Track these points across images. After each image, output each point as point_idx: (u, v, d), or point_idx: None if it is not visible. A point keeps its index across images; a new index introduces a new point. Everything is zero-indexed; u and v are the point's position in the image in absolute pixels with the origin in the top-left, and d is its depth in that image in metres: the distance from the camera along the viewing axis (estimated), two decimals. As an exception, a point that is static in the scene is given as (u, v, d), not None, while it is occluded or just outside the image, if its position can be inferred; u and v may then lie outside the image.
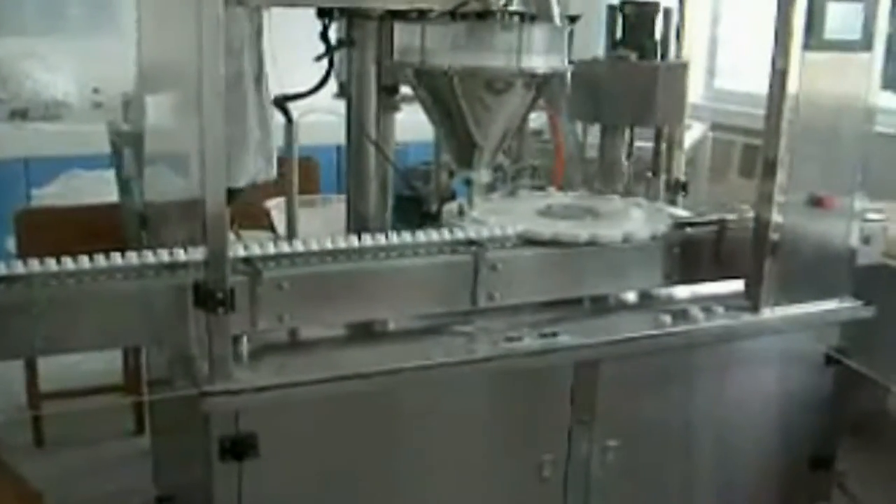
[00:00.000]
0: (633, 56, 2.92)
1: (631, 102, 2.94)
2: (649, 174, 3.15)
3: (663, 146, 3.15)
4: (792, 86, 2.51)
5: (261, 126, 2.67)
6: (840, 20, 2.50)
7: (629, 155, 3.04)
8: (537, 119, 3.20)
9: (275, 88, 2.67)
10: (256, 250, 2.22)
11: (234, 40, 2.52)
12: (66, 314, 2.08)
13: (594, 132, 3.14)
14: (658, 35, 2.99)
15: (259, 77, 2.64)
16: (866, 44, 2.56)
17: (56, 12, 5.82)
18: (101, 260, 2.11)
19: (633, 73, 2.93)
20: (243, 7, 2.44)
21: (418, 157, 3.18)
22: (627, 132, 3.05)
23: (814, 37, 2.48)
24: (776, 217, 2.59)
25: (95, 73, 5.65)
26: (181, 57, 2.19)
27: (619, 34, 2.99)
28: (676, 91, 2.98)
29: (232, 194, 2.77)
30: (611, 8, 3.00)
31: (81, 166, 4.62)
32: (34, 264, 2.06)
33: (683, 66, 3.04)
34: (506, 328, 2.45)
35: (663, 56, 3.00)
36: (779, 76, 2.52)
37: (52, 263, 2.07)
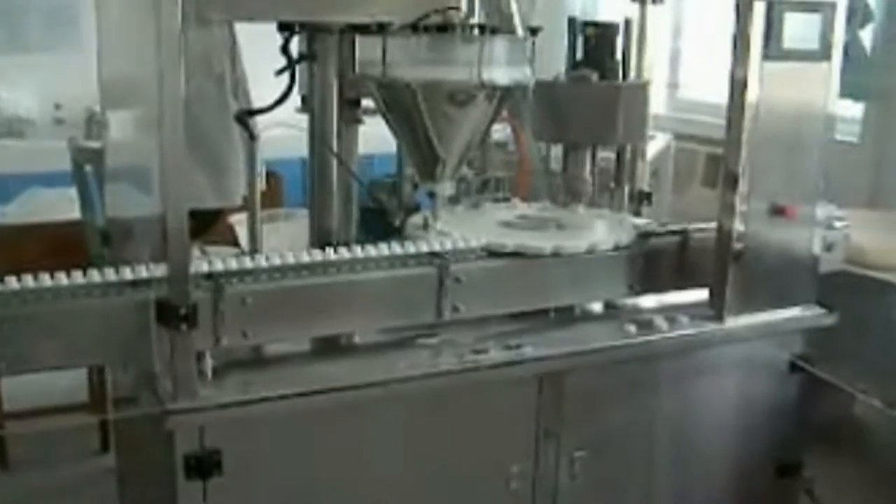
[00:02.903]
0: (594, 76, 2.93)
1: (592, 123, 2.95)
2: (613, 185, 3.16)
3: (626, 157, 3.16)
4: (752, 95, 2.53)
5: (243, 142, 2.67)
6: (798, 30, 2.53)
7: (592, 173, 3.04)
8: (501, 131, 3.20)
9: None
10: (219, 266, 2.21)
11: (216, 64, 2.53)
12: (28, 333, 2.05)
13: (558, 146, 3.15)
14: (619, 55, 3.00)
15: (236, 93, 2.64)
16: (824, 53, 2.59)
17: (16, 29, 5.78)
18: (62, 278, 2.09)
19: (595, 93, 2.95)
20: (213, 24, 2.44)
21: (383, 169, 3.18)
22: (590, 150, 3.05)
23: (772, 46, 2.50)
24: (738, 226, 2.61)
25: (57, 90, 5.62)
26: (141, 73, 2.17)
27: (579, 54, 3.00)
28: (638, 111, 2.99)
29: (218, 213, 2.79)
30: (571, 22, 3.01)
31: (43, 183, 4.58)
32: (-5, 283, 2.04)
33: (644, 86, 3.06)
34: (471, 341, 2.45)
35: (624, 76, 3.01)
36: (738, 86, 2.54)
37: (12, 282, 2.05)
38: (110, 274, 2.13)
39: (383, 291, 2.37)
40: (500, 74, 2.40)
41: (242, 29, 2.55)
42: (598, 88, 2.94)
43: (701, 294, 2.74)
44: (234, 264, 2.23)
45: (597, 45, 2.98)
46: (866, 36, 4.04)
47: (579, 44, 3.01)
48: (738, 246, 2.62)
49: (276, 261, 2.26)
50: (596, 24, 3.06)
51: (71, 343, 2.10)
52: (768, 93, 2.54)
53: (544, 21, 2.69)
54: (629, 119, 2.95)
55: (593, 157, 3.04)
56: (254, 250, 2.61)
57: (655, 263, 2.71)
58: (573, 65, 3.00)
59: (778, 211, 2.63)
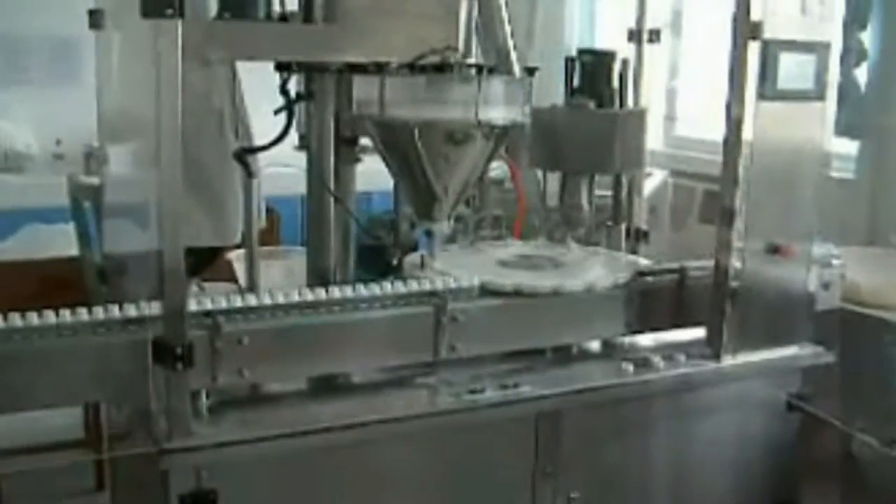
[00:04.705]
0: (591, 104, 2.94)
1: (590, 150, 2.95)
2: (610, 223, 3.17)
3: (623, 194, 3.16)
4: (747, 134, 2.54)
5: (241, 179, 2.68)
6: (793, 70, 2.54)
7: (590, 202, 3.05)
8: (498, 169, 3.21)
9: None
10: (216, 304, 2.21)
11: (216, 101, 2.54)
12: (24, 371, 2.05)
13: (555, 180, 3.15)
14: (616, 83, 3.02)
15: (236, 130, 2.65)
16: (819, 93, 2.60)
17: (17, 64, 5.80)
18: (59, 315, 2.09)
19: (592, 120, 2.95)
20: (216, 65, 2.45)
21: (383, 206, 3.19)
22: (587, 179, 3.06)
23: (767, 86, 2.52)
24: (735, 264, 2.61)
25: (58, 125, 5.63)
26: (140, 110, 2.19)
27: (576, 82, 3.02)
28: (635, 138, 3.00)
29: (216, 252, 2.80)
30: (568, 59, 3.03)
31: (42, 219, 4.57)
32: (-7, 320, 2.04)
33: (641, 114, 3.07)
34: (468, 380, 2.44)
35: (621, 104, 3.03)
36: (734, 125, 2.56)
37: (9, 319, 2.05)
38: (106, 312, 2.13)
39: (380, 330, 2.37)
40: (498, 114, 2.42)
41: (244, 65, 2.56)
42: (594, 116, 2.95)
43: (698, 332, 2.73)
44: (231, 302, 2.23)
45: (593, 73, 2.99)
46: (861, 74, 4.06)
47: (576, 72, 3.02)
48: (734, 284, 2.62)
49: (274, 299, 2.26)
50: (593, 52, 3.07)
51: (67, 381, 2.10)
52: (764, 132, 2.55)
53: (542, 60, 2.71)
54: (626, 146, 2.96)
55: (590, 187, 3.05)
56: (251, 288, 2.62)
57: (653, 302, 2.71)
58: (570, 93, 3.01)
59: (774, 249, 2.64)
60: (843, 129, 2.84)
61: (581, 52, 3.07)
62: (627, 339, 2.78)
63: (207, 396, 2.21)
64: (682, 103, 5.48)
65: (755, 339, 2.69)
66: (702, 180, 4.73)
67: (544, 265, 2.79)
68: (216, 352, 2.15)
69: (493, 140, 2.48)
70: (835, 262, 2.88)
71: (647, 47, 3.22)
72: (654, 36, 3.25)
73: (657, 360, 2.61)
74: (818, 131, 2.64)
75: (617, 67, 3.03)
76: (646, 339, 2.80)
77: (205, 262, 2.75)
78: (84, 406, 3.79)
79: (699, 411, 2.70)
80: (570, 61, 3.04)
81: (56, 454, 3.69)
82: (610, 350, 2.75)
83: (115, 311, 2.14)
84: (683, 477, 2.72)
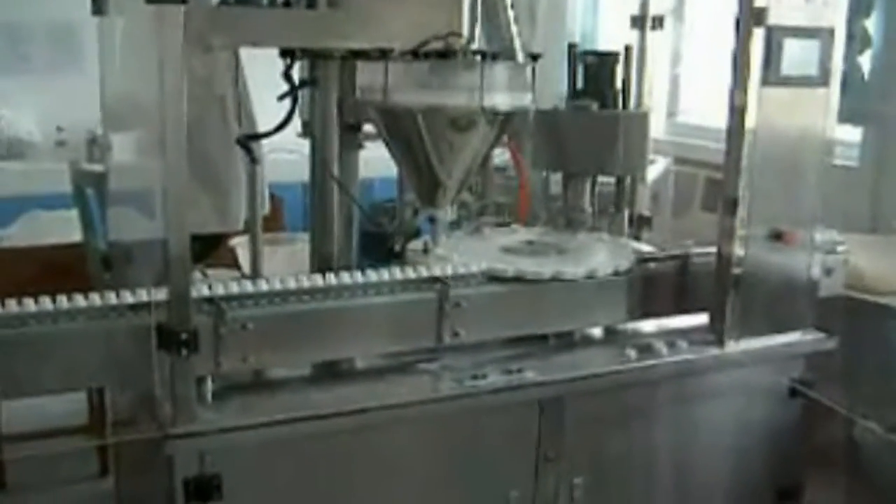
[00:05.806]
0: (594, 106, 2.94)
1: (593, 152, 2.96)
2: (612, 209, 3.17)
3: (626, 182, 3.16)
4: (751, 121, 2.54)
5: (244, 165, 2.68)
6: (797, 56, 2.54)
7: (592, 203, 3.05)
8: (501, 155, 3.21)
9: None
10: (220, 290, 2.21)
11: (218, 87, 2.55)
12: (28, 356, 2.05)
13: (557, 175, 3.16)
14: (619, 83, 3.01)
15: (239, 117, 2.65)
16: (823, 79, 2.60)
17: (19, 51, 5.80)
18: (63, 302, 2.09)
19: (594, 122, 2.96)
20: (219, 51, 2.45)
21: (385, 192, 3.19)
22: (590, 180, 3.06)
23: (771, 73, 2.51)
24: (738, 251, 2.61)
25: (60, 112, 5.63)
26: (143, 97, 2.19)
27: (580, 83, 3.02)
28: (638, 140, 3.01)
29: (220, 238, 2.81)
30: (571, 48, 3.02)
31: (44, 206, 4.57)
32: (-5, 306, 2.04)
33: (644, 115, 3.07)
34: (471, 366, 2.45)
35: (625, 102, 3.03)
36: (738, 112, 2.55)
37: (12, 305, 2.06)
38: (111, 297, 2.14)
39: (384, 316, 2.38)
40: (501, 100, 2.41)
41: (247, 51, 2.56)
42: (598, 117, 2.95)
43: (701, 318, 2.74)
44: (234, 289, 2.23)
45: (597, 74, 2.99)
46: (865, 61, 4.06)
47: (579, 72, 3.03)
48: (737, 271, 2.62)
49: (277, 285, 2.27)
50: (596, 54, 3.07)
51: (71, 366, 2.11)
52: (767, 118, 2.55)
53: (545, 46, 2.70)
54: (629, 148, 2.96)
55: (593, 184, 3.05)
56: (255, 274, 2.62)
57: (656, 288, 2.72)
58: (573, 94, 3.01)
59: (777, 236, 2.64)
60: (846, 116, 2.82)
61: (584, 53, 3.07)
62: (630, 325, 2.78)
63: (212, 382, 2.22)
64: (684, 90, 5.47)
65: (758, 326, 2.69)
66: (704, 167, 4.73)
67: (548, 251, 2.79)
68: (220, 338, 2.16)
69: (497, 126, 2.48)
70: (838, 248, 2.89)
71: (650, 34, 3.21)
72: (658, 23, 3.25)
73: (660, 346, 2.62)
74: (822, 118, 2.64)
75: (620, 67, 3.03)
76: (649, 326, 2.80)
77: (208, 249, 2.75)
78: (88, 392, 3.80)
79: (702, 397, 2.71)
80: (573, 50, 3.04)
81: (60, 440, 3.70)
82: (613, 336, 2.75)
83: (119, 296, 2.14)
84: (686, 463, 2.73)
